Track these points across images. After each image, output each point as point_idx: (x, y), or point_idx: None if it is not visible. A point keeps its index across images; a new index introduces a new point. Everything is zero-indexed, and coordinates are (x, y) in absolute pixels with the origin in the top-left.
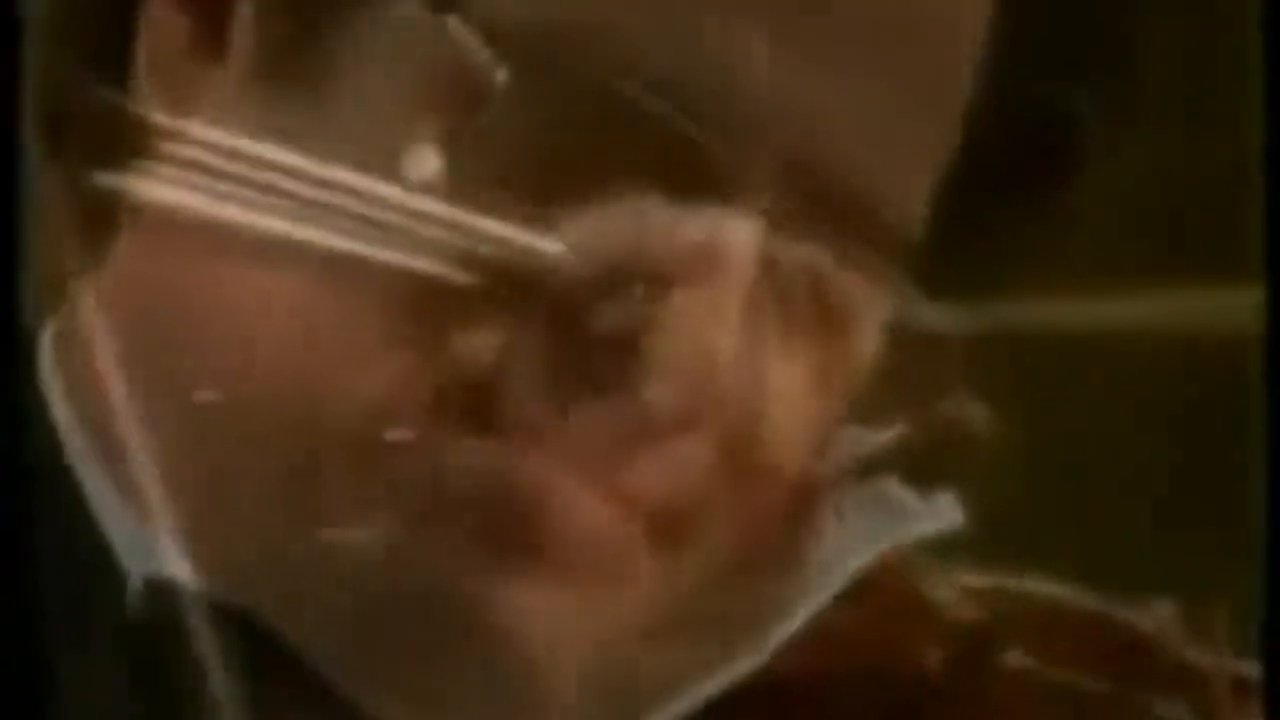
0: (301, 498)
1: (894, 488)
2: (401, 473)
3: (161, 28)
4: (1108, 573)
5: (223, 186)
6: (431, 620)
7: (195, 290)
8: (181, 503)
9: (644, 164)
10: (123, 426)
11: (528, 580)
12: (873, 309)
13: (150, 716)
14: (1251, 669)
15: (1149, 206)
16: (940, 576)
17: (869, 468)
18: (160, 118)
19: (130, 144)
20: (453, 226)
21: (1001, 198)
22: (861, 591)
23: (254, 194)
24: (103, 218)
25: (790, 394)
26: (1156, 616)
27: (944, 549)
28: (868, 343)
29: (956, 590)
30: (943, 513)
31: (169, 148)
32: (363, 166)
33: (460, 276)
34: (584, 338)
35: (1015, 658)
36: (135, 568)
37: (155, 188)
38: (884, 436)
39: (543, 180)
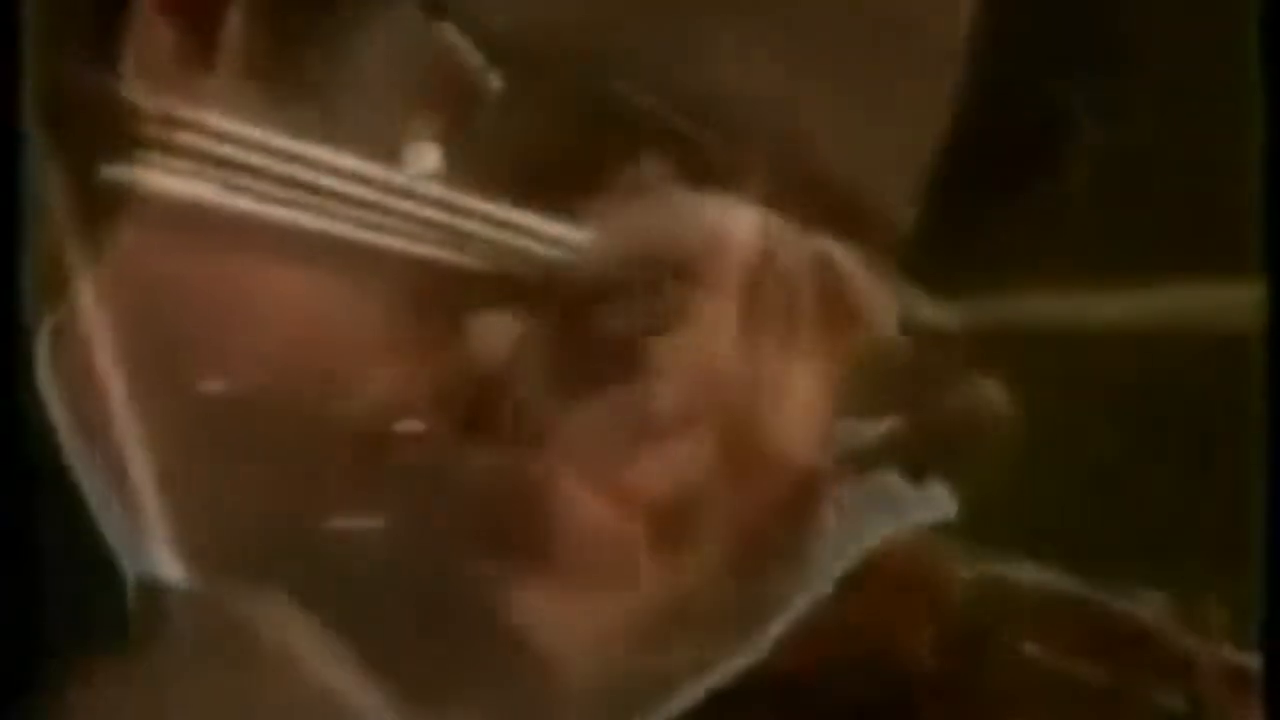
0: (305, 492)
1: (890, 479)
2: (406, 468)
3: (149, 37)
4: (1105, 565)
5: (225, 178)
6: (436, 617)
7: (197, 283)
8: (182, 499)
9: (638, 162)
10: (122, 424)
11: (532, 577)
12: (882, 302)
13: (150, 717)
14: (1249, 661)
15: (1148, 201)
16: (936, 567)
17: (867, 461)
18: (162, 108)
19: (131, 136)
20: (462, 217)
21: (996, 192)
22: (857, 582)
23: (257, 186)
24: (103, 211)
25: (796, 388)
26: (1153, 607)
27: (941, 539)
28: (878, 336)
29: (953, 580)
30: (937, 502)
31: (170, 139)
32: (362, 164)
33: (469, 270)
34: (591, 334)
35: (1012, 648)
36: (134, 568)
37: (157, 180)
38: (882, 430)
39: (536, 181)
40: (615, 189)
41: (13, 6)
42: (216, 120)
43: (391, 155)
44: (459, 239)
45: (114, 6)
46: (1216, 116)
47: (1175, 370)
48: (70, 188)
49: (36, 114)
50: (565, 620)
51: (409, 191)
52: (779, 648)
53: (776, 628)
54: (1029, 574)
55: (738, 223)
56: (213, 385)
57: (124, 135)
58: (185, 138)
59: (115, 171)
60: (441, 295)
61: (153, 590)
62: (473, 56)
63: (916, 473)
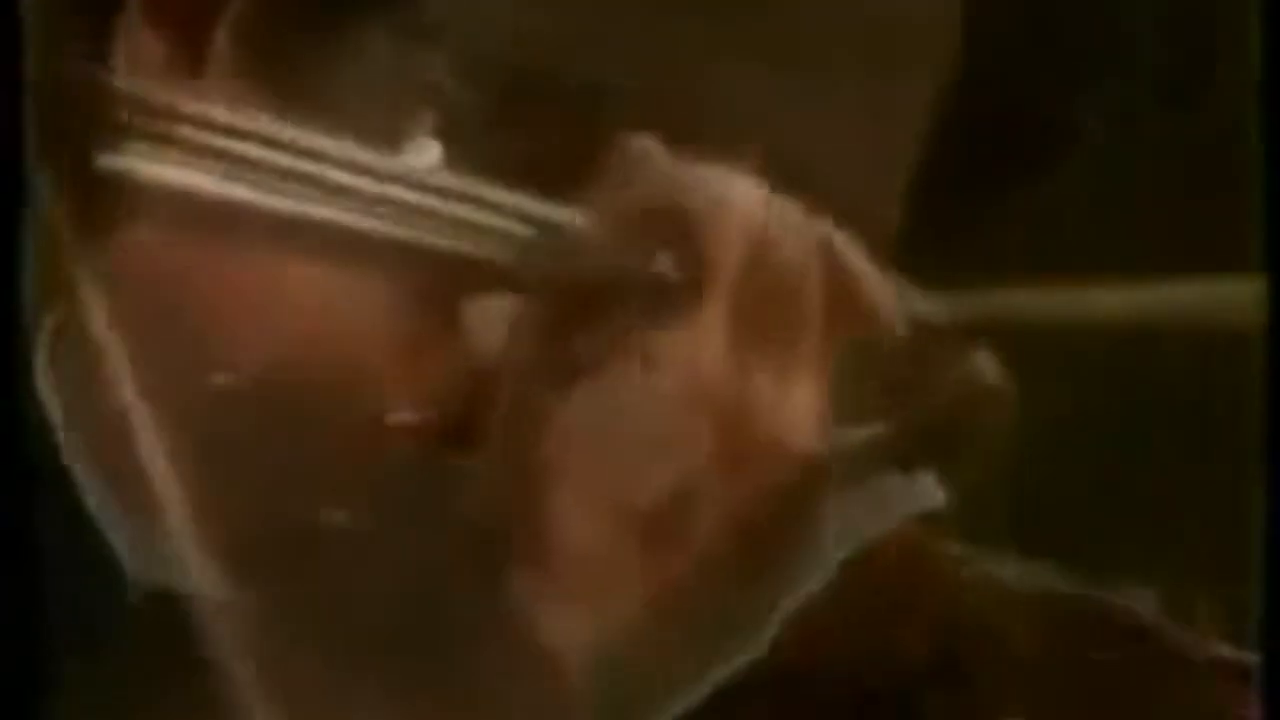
0: (308, 486)
1: (884, 476)
2: (406, 462)
3: (139, 47)
4: (1102, 561)
5: (224, 170)
6: (436, 615)
7: (200, 277)
8: (189, 495)
9: (627, 141)
10: (128, 419)
11: (531, 574)
12: (883, 290)
13: (151, 716)
14: (1247, 657)
15: (1148, 198)
16: (930, 558)
17: (863, 455)
18: (163, 101)
19: (131, 129)
20: (458, 202)
21: (995, 188)
22: (851, 579)
23: (257, 178)
24: (104, 206)
25: (796, 377)
26: (1151, 604)
27: (935, 532)
28: (878, 325)
29: (947, 572)
30: (930, 495)
31: (169, 132)
32: (359, 162)
33: (467, 258)
34: (589, 323)
35: (1006, 640)
36: (135, 569)
37: (156, 173)
38: (879, 423)
39: (527, 167)
40: (605, 170)
41: (12, 4)
42: (216, 112)
43: (390, 156)
44: (455, 226)
45: (111, 4)
46: (1216, 114)
47: (1174, 367)
48: (70, 183)
49: (36, 109)
50: (566, 618)
51: (407, 179)
52: (778, 641)
53: (777, 622)
54: (1023, 571)
55: (737, 189)
56: (218, 379)
57: (124, 128)
58: (184, 130)
59: (115, 165)
60: (439, 285)
61: (154, 591)
62: (446, 81)
63: (912, 465)
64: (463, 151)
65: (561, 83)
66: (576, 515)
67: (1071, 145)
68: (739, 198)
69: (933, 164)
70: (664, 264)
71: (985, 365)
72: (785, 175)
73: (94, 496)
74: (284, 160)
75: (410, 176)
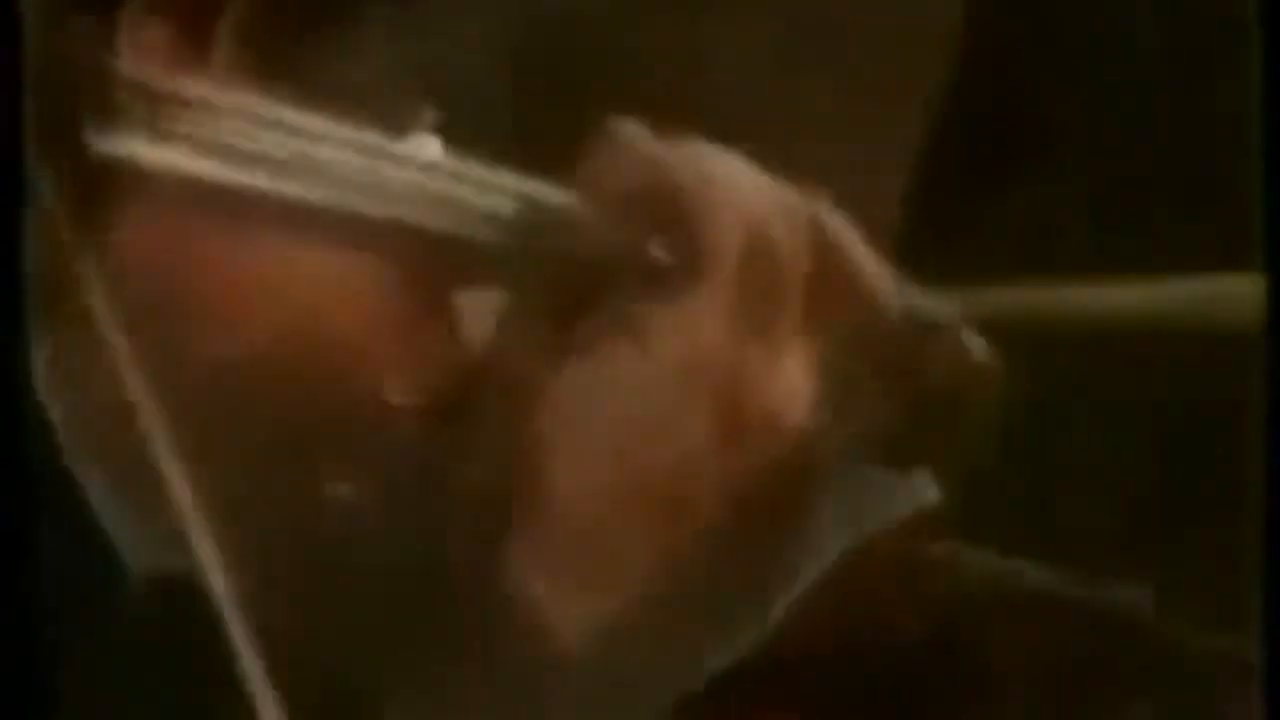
0: (310, 462)
1: (881, 470)
2: (404, 438)
3: (143, 36)
4: (1100, 560)
5: (224, 154)
6: (435, 590)
7: (199, 257)
8: (187, 473)
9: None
10: (125, 405)
11: (528, 549)
12: (877, 271)
13: (153, 712)
14: (1245, 652)
15: (1148, 196)
16: (928, 545)
17: (859, 448)
18: (162, 86)
19: (130, 113)
20: (453, 182)
21: (996, 185)
22: (847, 570)
23: (256, 161)
24: (104, 189)
25: (789, 352)
26: (1148, 601)
27: (932, 531)
28: (873, 306)
29: (946, 559)
30: (923, 491)
31: (168, 116)
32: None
33: (461, 238)
34: (582, 301)
35: (999, 635)
36: (136, 560)
37: (157, 156)
38: (875, 418)
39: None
40: (593, 153)
41: (12, 4)
42: (216, 96)
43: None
44: (449, 207)
45: None
46: (1217, 112)
47: (1174, 364)
48: (71, 168)
49: (36, 95)
50: (563, 590)
51: (401, 160)
52: (778, 625)
53: (781, 605)
54: (1022, 564)
55: (726, 170)
56: (219, 359)
57: (124, 113)
58: (183, 115)
59: (115, 149)
60: (434, 264)
61: (156, 582)
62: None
63: (903, 451)
64: (459, 134)
65: (559, 67)
66: (572, 489)
67: (1072, 145)
68: (728, 178)
69: (933, 163)
70: (655, 244)
71: (971, 344)
72: (785, 160)
73: (95, 491)
74: (282, 144)
75: (404, 157)
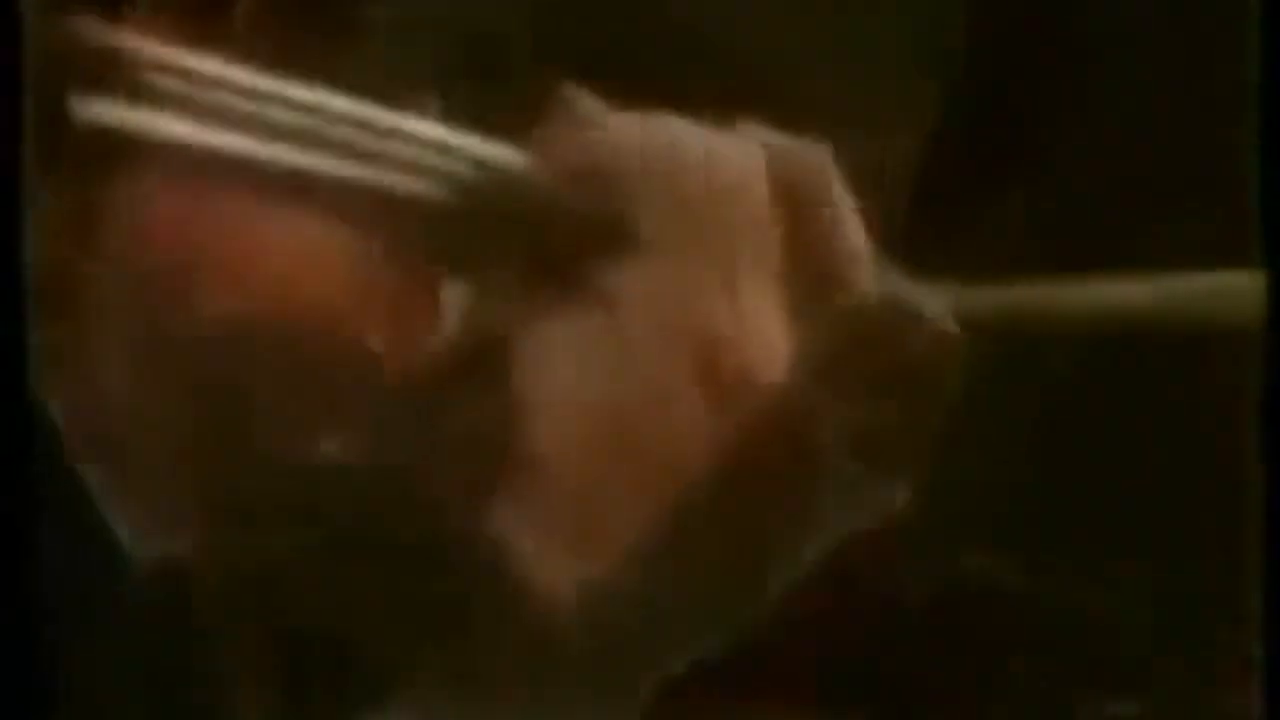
0: (301, 425)
1: (866, 471)
2: (390, 400)
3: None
4: (1097, 557)
5: (218, 121)
6: (425, 552)
7: (194, 224)
8: (180, 439)
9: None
10: (119, 382)
11: (512, 508)
12: (853, 232)
13: (154, 706)
14: (1247, 654)
15: (1148, 194)
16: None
17: (853, 444)
18: (160, 53)
19: (122, 80)
20: (416, 145)
21: (995, 183)
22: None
23: (247, 128)
24: (95, 157)
25: (759, 308)
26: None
27: (930, 528)
28: (856, 283)
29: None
30: (896, 495)
31: (159, 83)
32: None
33: (435, 202)
34: (552, 261)
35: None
36: (138, 553)
37: (146, 123)
38: (873, 414)
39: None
40: (549, 119)
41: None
42: (208, 64)
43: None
44: (432, 175)
45: None
46: (1216, 108)
47: (1175, 362)
48: (64, 141)
49: (36, 65)
50: (551, 550)
51: (375, 126)
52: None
53: (779, 580)
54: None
55: (683, 135)
56: (208, 322)
57: (116, 79)
58: (174, 81)
59: (106, 115)
60: (407, 226)
61: (156, 575)
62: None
63: (904, 460)
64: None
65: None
66: (555, 449)
67: (1071, 142)
68: (688, 143)
69: (933, 162)
70: (615, 206)
71: (933, 310)
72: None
73: (95, 479)
74: (263, 110)
75: (378, 124)
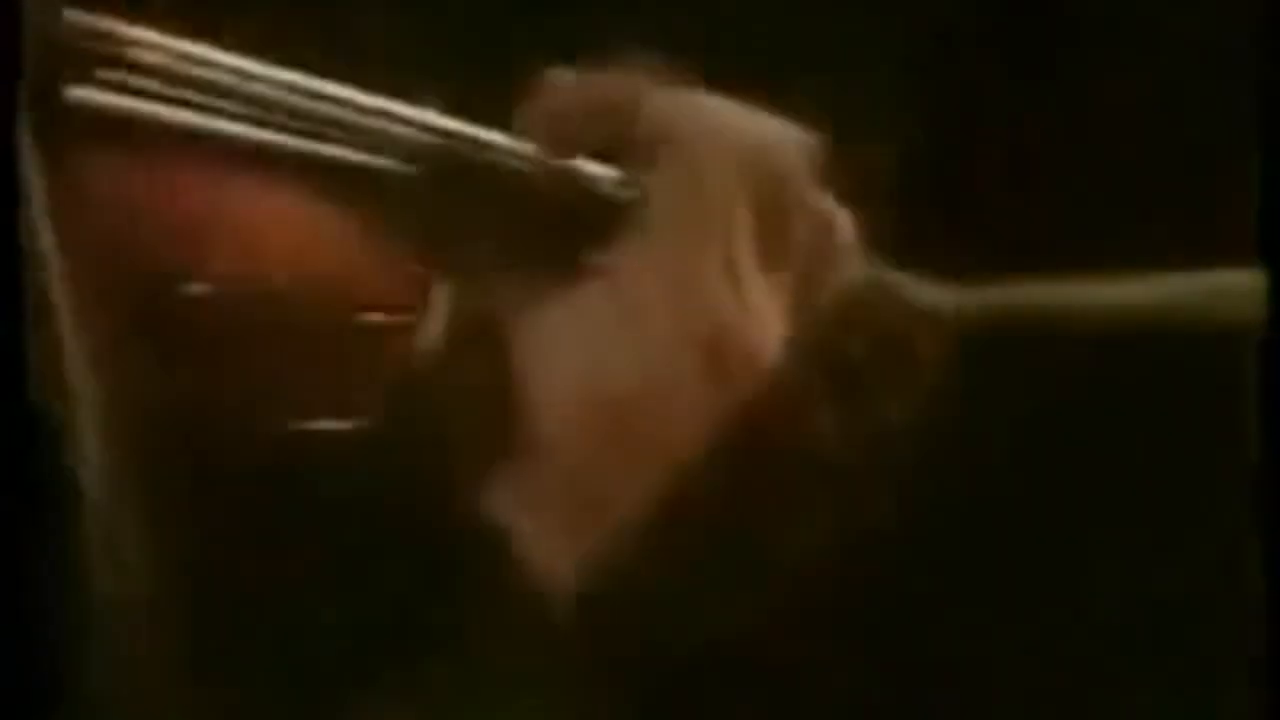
0: (289, 396)
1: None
2: (385, 373)
3: None
4: (1098, 555)
5: (202, 102)
6: (419, 523)
7: (193, 208)
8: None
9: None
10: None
11: (512, 483)
12: (851, 236)
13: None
14: (1247, 654)
15: (1147, 190)
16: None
17: (845, 427)
18: (128, 32)
19: (98, 60)
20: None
21: (994, 185)
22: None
23: (226, 107)
24: (74, 136)
25: (760, 293)
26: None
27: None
28: (847, 269)
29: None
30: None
31: (137, 62)
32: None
33: (431, 179)
34: (546, 244)
35: None
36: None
37: (124, 103)
38: (863, 396)
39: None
40: (532, 96)
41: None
42: (185, 44)
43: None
44: (419, 150)
45: None
46: (1217, 108)
47: (1175, 360)
48: (42, 114)
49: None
50: (553, 531)
51: (364, 107)
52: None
53: (775, 566)
54: None
55: (716, 109)
56: (196, 293)
57: (91, 59)
58: (152, 58)
59: (96, 99)
60: (397, 202)
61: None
62: None
63: (865, 406)
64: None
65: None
66: (554, 428)
67: (1071, 142)
68: (696, 115)
69: (933, 161)
70: (618, 184)
71: (920, 292)
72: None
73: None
74: (257, 93)
75: (370, 106)
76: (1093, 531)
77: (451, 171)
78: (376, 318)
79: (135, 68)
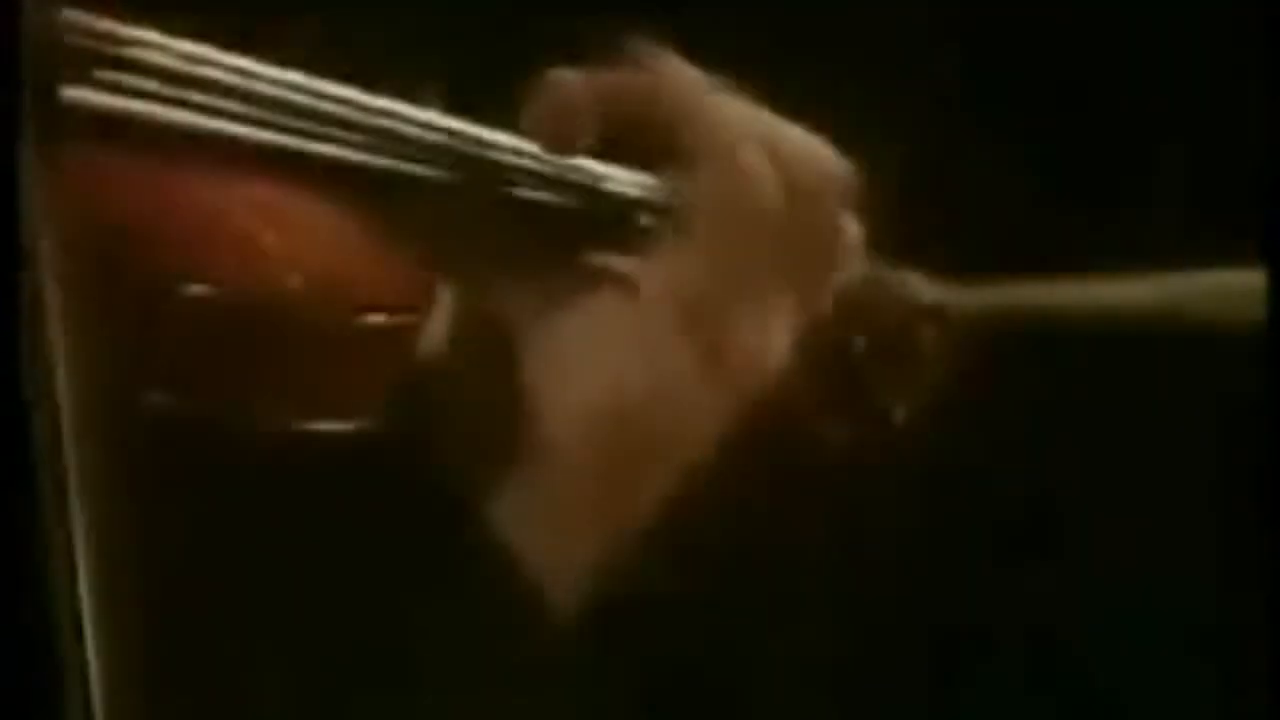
0: (288, 395)
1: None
2: (387, 374)
3: None
4: (1099, 554)
5: (201, 102)
6: (418, 517)
7: (196, 207)
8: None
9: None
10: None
11: (514, 488)
12: (855, 236)
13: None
14: (1249, 655)
15: (1149, 190)
16: None
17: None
18: (126, 32)
19: (93, 60)
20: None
21: (990, 183)
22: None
23: (249, 112)
24: (69, 136)
25: (763, 302)
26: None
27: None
28: (841, 270)
29: None
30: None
31: (133, 61)
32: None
33: (444, 184)
34: (562, 252)
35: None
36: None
37: (121, 103)
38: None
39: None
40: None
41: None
42: (184, 44)
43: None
44: (423, 151)
45: None
46: (1219, 109)
47: (1176, 359)
48: (41, 114)
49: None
50: (558, 541)
51: (368, 107)
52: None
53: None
54: None
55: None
56: (198, 294)
57: (90, 59)
58: (152, 58)
59: (83, 96)
60: (403, 205)
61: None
62: None
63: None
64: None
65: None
66: (562, 438)
67: (1073, 142)
68: (710, 124)
69: (934, 161)
70: (626, 190)
71: (922, 290)
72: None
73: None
74: (261, 93)
75: (378, 107)
76: (1092, 531)
77: (452, 172)
78: (378, 319)
79: (135, 67)
